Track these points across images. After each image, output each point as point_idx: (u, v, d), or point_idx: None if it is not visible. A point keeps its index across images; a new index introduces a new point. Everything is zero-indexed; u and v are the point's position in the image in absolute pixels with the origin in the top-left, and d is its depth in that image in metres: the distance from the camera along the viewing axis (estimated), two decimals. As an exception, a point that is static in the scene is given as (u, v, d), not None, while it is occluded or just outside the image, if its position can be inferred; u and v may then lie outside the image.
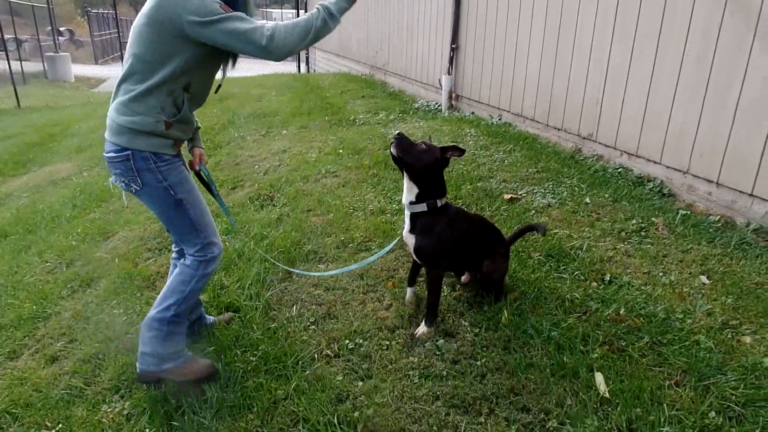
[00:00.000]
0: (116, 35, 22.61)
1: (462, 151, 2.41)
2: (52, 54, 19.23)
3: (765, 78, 3.21)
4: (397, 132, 2.43)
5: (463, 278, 2.84)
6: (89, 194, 5.25)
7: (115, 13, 17.40)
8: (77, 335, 2.86)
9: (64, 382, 2.48)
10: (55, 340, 2.86)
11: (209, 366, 2.30)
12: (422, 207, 2.40)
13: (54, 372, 2.58)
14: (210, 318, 2.68)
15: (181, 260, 2.26)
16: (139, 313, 2.91)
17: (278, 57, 1.96)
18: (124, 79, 2.05)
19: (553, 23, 4.98)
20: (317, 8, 2.03)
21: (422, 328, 2.48)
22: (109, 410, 2.25)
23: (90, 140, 7.95)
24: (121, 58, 15.26)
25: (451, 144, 2.45)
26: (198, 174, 2.45)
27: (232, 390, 2.23)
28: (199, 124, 2.40)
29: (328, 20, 2.03)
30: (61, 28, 26.86)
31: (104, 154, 2.10)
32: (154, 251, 3.68)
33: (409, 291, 2.74)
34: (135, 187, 2.07)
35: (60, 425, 2.23)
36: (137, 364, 2.24)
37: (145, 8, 1.98)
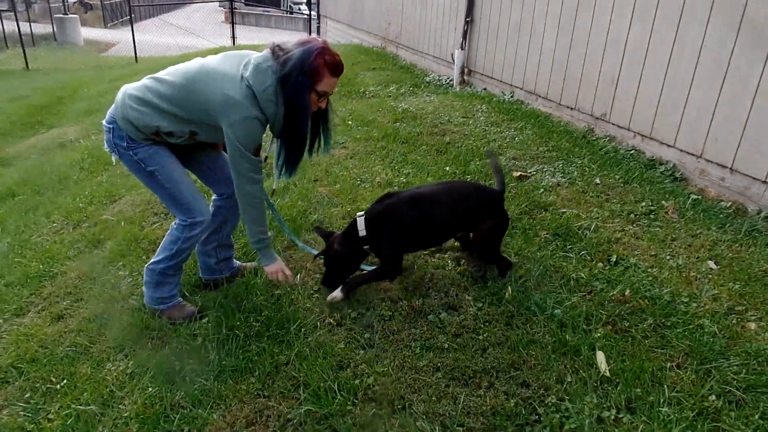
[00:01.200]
0: (126, -1, 22.36)
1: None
2: (61, 16, 19.04)
3: (787, 62, 3.13)
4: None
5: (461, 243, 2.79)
6: (97, 158, 5.24)
7: (126, -25, 17.15)
8: (83, 295, 2.88)
9: (69, 339, 2.51)
10: (61, 298, 2.89)
11: (192, 313, 2.56)
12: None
13: (59, 329, 2.61)
14: (236, 263, 2.84)
15: (172, 224, 2.49)
16: (145, 276, 2.92)
17: (236, 195, 2.32)
18: (159, 81, 2.24)
19: (571, 1, 4.87)
20: (262, 231, 2.39)
21: (337, 293, 2.51)
22: (113, 368, 2.28)
23: (98, 104, 7.92)
24: (130, 22, 15.12)
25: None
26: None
27: (234, 354, 2.25)
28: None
29: (255, 231, 2.38)
30: (71, -10, 26.55)
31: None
32: (160, 215, 3.68)
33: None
34: (115, 155, 2.35)
35: (65, 381, 2.25)
36: None
37: (210, 89, 2.13)
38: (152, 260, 2.49)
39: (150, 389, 2.13)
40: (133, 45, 13.68)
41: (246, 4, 27.97)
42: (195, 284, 2.81)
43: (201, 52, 11.32)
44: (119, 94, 2.28)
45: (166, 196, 2.39)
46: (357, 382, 2.05)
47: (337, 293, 2.49)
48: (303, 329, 2.36)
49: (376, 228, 2.46)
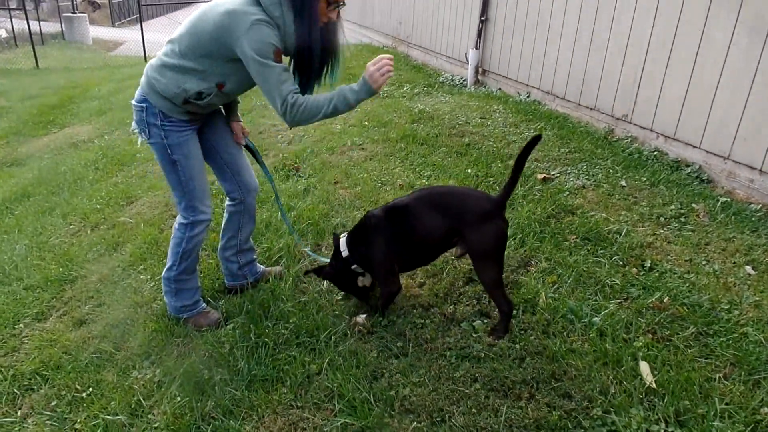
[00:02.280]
0: (134, -2, 22.38)
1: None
2: (69, 15, 19.05)
3: (823, 62, 3.05)
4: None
5: (456, 252, 2.40)
6: (111, 158, 5.21)
7: (134, -26, 17.13)
8: (105, 299, 2.83)
9: (93, 345, 2.47)
10: (82, 303, 2.84)
11: (218, 320, 2.52)
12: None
13: (82, 335, 2.57)
14: (260, 267, 2.77)
15: (174, 224, 2.46)
16: (167, 280, 2.87)
17: (288, 124, 2.14)
18: (172, 42, 2.18)
19: (593, -2, 4.78)
20: (339, 92, 2.11)
21: (360, 317, 2.39)
22: (139, 376, 2.23)
23: (109, 103, 7.89)
24: (139, 20, 15.09)
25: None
26: (246, 147, 2.59)
27: (264, 362, 2.20)
28: (239, 99, 2.48)
29: (341, 107, 2.12)
30: (78, -11, 26.57)
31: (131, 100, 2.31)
32: (179, 218, 3.63)
33: None
34: (145, 137, 2.30)
35: (90, 389, 2.21)
36: None
37: (212, 16, 2.05)
38: (165, 270, 2.47)
39: (179, 399, 2.08)
40: (142, 44, 13.65)
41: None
42: (219, 289, 2.75)
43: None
44: (144, 74, 2.25)
45: (178, 189, 2.35)
46: (393, 392, 1.99)
47: (361, 318, 2.39)
48: (333, 337, 2.31)
49: (357, 247, 2.38)
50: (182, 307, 2.50)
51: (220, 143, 2.47)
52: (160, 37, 15.56)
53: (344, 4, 2.13)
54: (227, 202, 2.63)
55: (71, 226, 3.83)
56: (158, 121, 2.22)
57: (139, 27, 14.17)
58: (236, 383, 2.11)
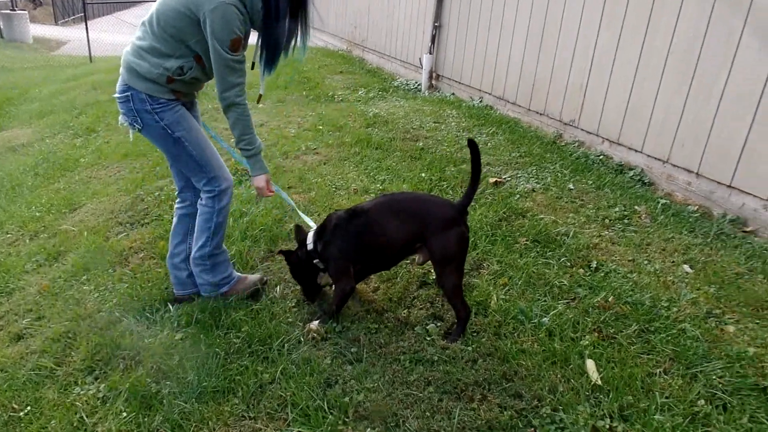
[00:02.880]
0: (78, -4, 21.49)
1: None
2: (8, 12, 18.11)
3: (751, 73, 3.23)
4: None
5: (417, 260, 2.46)
6: (53, 162, 4.98)
7: (78, -28, 16.44)
8: (45, 312, 2.70)
9: (31, 361, 2.34)
10: (20, 316, 2.70)
11: (260, 279, 2.63)
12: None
13: (20, 351, 2.44)
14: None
15: (199, 201, 2.45)
16: (112, 290, 2.77)
17: (223, 108, 2.24)
18: (144, 23, 2.20)
19: (541, 5, 4.93)
20: (256, 144, 2.33)
21: (314, 323, 2.37)
22: (82, 393, 2.13)
23: (51, 105, 7.54)
24: (84, 19, 14.49)
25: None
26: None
27: (215, 373, 2.14)
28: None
29: (245, 144, 2.30)
30: (18, -14, 25.34)
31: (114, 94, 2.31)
32: (125, 225, 3.51)
33: None
34: (137, 126, 2.28)
35: (29, 408, 2.10)
36: (202, 293, 2.58)
37: (170, 4, 2.10)
38: (195, 249, 2.47)
39: (125, 414, 2.00)
40: (87, 43, 13.12)
41: (204, 4, 27.25)
42: (166, 299, 2.67)
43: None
44: (123, 63, 2.26)
45: (192, 164, 2.34)
46: (347, 399, 1.98)
47: (314, 324, 2.36)
48: (286, 345, 2.28)
49: (319, 242, 2.40)
50: (222, 280, 2.54)
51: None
52: (107, 36, 15.02)
53: None
54: (177, 204, 2.58)
55: (8, 235, 3.63)
56: (147, 105, 2.22)
57: (84, 26, 13.62)
58: (186, 396, 2.05)
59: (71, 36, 17.68)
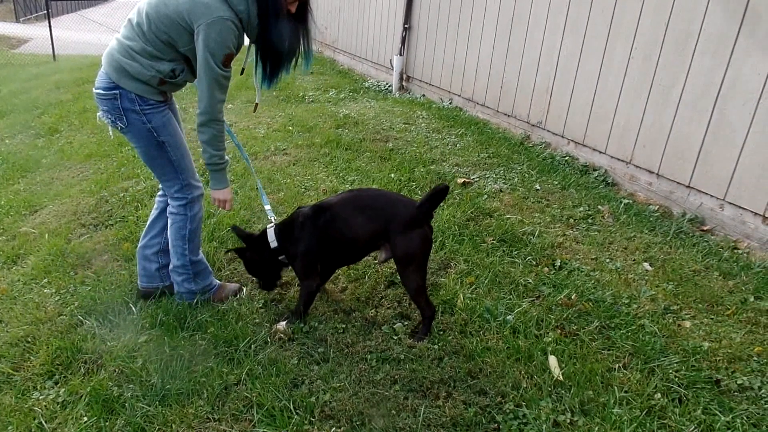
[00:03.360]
0: (41, -8, 20.90)
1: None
2: (-35, 8, 17.49)
3: (705, 79, 3.35)
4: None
5: (379, 257, 2.42)
6: (12, 164, 4.83)
7: (40, -33, 15.97)
8: (2, 316, 2.62)
9: (-12, 367, 2.27)
10: (-24, 321, 2.61)
11: (238, 288, 2.64)
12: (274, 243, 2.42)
13: (-24, 356, 2.36)
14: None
15: (168, 209, 2.43)
16: (74, 293, 2.71)
17: (197, 123, 2.19)
18: (137, 25, 2.14)
19: (507, 10, 5.01)
20: (223, 160, 2.31)
21: (281, 324, 2.36)
22: (41, 398, 2.08)
23: (11, 105, 7.32)
24: (46, 17, 14.12)
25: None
26: None
27: (179, 375, 2.12)
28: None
29: (211, 156, 2.27)
30: (-23, -19, 24.56)
31: (93, 89, 2.25)
32: (88, 227, 3.43)
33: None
34: (121, 125, 2.24)
35: (-16, 414, 2.03)
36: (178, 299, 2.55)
37: (174, 2, 2.06)
38: (174, 259, 2.46)
39: (85, 419, 1.96)
40: (50, 41, 12.77)
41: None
42: (130, 302, 2.62)
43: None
44: (106, 58, 2.21)
45: (170, 169, 2.32)
46: (313, 399, 1.98)
47: (281, 325, 2.35)
48: (253, 346, 2.26)
49: (284, 240, 2.39)
50: (205, 287, 2.54)
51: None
52: (72, 34, 14.66)
53: None
54: (158, 196, 2.56)
55: (-35, 238, 3.51)
56: (136, 106, 2.19)
57: (48, 23, 13.26)
58: (149, 399, 2.02)
59: (33, 34, 17.16)
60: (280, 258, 2.43)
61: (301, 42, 2.27)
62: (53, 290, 2.77)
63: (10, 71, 10.60)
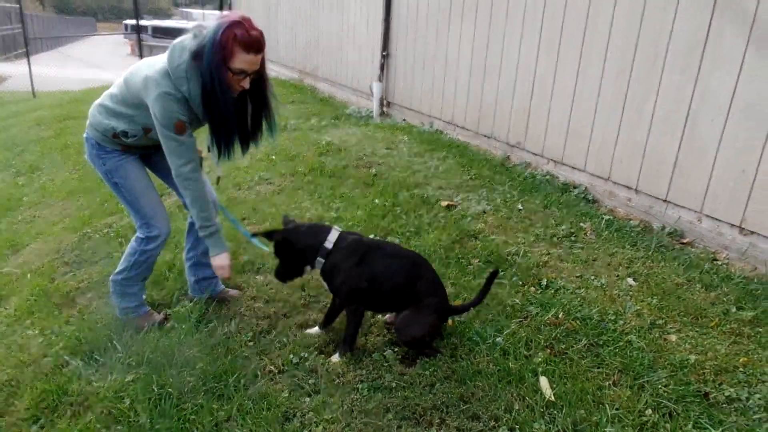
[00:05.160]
0: (20, 30, 20.86)
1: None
2: (-58, 47, 17.41)
3: (676, 95, 3.46)
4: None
5: (387, 317, 2.60)
6: (-8, 203, 4.78)
7: (20, 6, 15.98)
8: (-16, 361, 2.56)
9: (-30, 415, 2.22)
10: (-43, 367, 2.55)
11: (162, 320, 2.70)
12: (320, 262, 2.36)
13: (-43, 404, 2.30)
14: (221, 286, 2.87)
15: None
16: (58, 334, 2.66)
17: (179, 184, 2.34)
18: (112, 87, 2.41)
19: (482, 32, 5.14)
20: (214, 225, 2.43)
21: (335, 358, 2.35)
22: (26, 444, 2.03)
23: (-9, 143, 7.25)
24: (26, 55, 14.09)
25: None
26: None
27: (168, 414, 2.08)
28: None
29: (201, 221, 2.40)
30: (-46, 20, 24.46)
31: None
32: (72, 265, 3.40)
33: (314, 329, 2.57)
34: (93, 165, 2.51)
35: (-33, 465, 1.98)
36: None
37: (137, 76, 2.24)
38: (115, 272, 2.61)
39: (73, 464, 1.92)
40: (29, 79, 12.73)
41: (153, 37, 27.05)
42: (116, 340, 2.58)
43: (107, 86, 10.73)
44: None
45: (128, 207, 2.53)
46: (305, 432, 1.96)
47: (336, 358, 2.34)
48: (242, 380, 2.24)
49: (338, 253, 2.31)
50: (125, 308, 2.64)
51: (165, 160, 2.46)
52: (51, 71, 14.62)
53: (251, 74, 2.17)
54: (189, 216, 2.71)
55: (-56, 282, 3.44)
56: (95, 150, 2.44)
57: (27, 61, 13.22)
58: (138, 440, 1.99)
59: (13, 71, 17.10)
60: (318, 258, 2.33)
61: (264, 119, 2.39)
62: (37, 331, 2.72)
63: (-11, 109, 10.51)
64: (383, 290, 2.33)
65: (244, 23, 2.08)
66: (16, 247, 3.80)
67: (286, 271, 2.46)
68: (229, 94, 2.18)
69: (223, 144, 2.31)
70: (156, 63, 2.23)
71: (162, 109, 2.17)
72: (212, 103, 2.18)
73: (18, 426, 2.14)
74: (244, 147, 2.42)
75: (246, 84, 2.20)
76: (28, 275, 3.31)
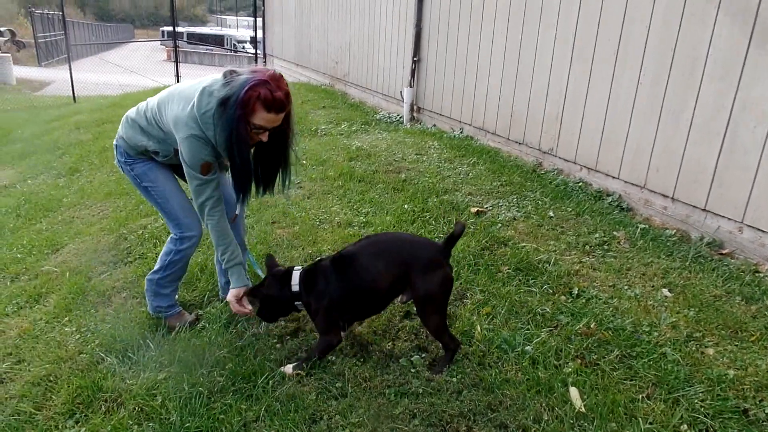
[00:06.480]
0: (62, 37, 21.67)
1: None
2: (-9, 54, 18.22)
3: (716, 102, 3.36)
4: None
5: (400, 298, 2.41)
6: (35, 203, 4.96)
7: (63, 14, 16.58)
8: (25, 355, 2.66)
9: (11, 407, 2.30)
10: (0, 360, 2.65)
11: (194, 320, 2.78)
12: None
13: (-1, 396, 2.39)
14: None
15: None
16: (94, 331, 2.74)
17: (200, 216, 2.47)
18: (143, 110, 2.48)
19: (515, 39, 5.09)
20: (236, 259, 2.48)
21: (288, 369, 2.31)
22: (62, 438, 2.09)
23: (34, 146, 7.54)
24: (68, 60, 14.63)
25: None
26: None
27: (198, 413, 2.12)
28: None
29: (222, 255, 2.47)
30: (2, 28, 25.60)
31: None
32: (108, 264, 3.49)
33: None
34: (121, 171, 2.64)
35: (6, 455, 2.05)
36: None
37: (171, 108, 2.32)
38: (152, 271, 2.71)
39: (106, 459, 1.97)
40: (70, 84, 13.20)
41: (189, 43, 27.75)
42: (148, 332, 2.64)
43: (145, 92, 11.06)
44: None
45: (160, 210, 2.64)
46: (332, 435, 1.97)
47: (289, 368, 2.32)
48: (271, 381, 2.26)
49: (306, 289, 2.33)
50: (158, 307, 2.74)
51: None
52: (91, 76, 15.13)
53: (266, 130, 2.23)
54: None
55: (-12, 278, 3.59)
56: (123, 157, 2.57)
57: (68, 66, 13.72)
58: (168, 437, 2.02)
59: (55, 77, 17.77)
60: (296, 303, 2.37)
61: (281, 171, 2.47)
62: (74, 328, 2.81)
63: (33, 113, 10.94)
64: (368, 299, 2.29)
65: (271, 83, 2.13)
66: (56, 247, 3.93)
67: (272, 315, 2.50)
68: (245, 145, 2.25)
69: (240, 188, 2.41)
70: (187, 98, 2.28)
71: (189, 150, 2.27)
72: (231, 150, 2.25)
73: (54, 420, 2.20)
74: (259, 193, 2.52)
75: (264, 137, 2.27)
76: (67, 274, 3.41)
